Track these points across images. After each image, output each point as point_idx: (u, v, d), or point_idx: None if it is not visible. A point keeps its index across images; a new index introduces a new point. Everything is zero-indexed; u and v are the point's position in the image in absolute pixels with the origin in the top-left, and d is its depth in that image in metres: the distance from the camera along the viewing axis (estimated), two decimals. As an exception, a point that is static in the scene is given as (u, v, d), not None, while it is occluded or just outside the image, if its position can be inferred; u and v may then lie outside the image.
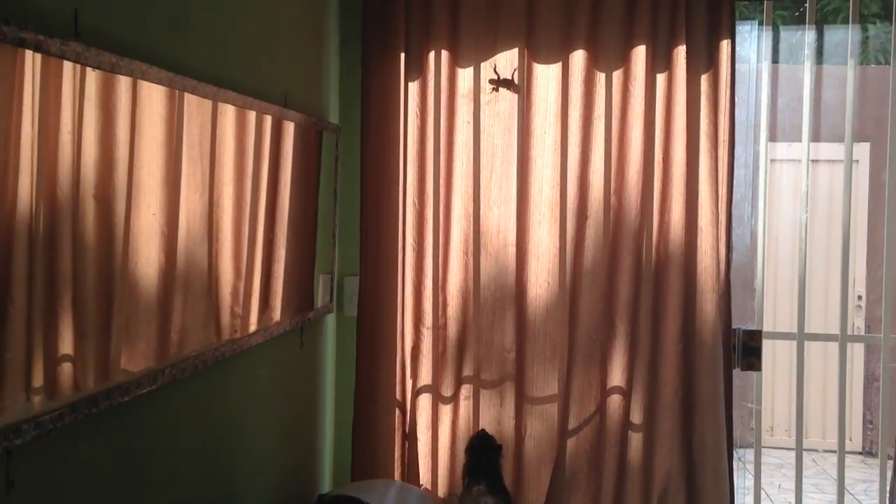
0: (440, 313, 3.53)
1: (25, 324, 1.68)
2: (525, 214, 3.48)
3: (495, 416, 3.52)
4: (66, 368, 1.82)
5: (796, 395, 3.84)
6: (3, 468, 1.61)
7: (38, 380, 1.73)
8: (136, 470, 2.12)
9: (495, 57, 3.48)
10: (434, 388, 3.55)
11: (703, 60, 3.38)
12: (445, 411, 3.55)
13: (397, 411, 3.56)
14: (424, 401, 3.56)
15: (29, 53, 1.63)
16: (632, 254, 3.40)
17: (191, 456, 2.41)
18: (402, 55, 3.50)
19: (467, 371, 3.54)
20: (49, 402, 1.74)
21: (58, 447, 1.78)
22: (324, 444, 3.64)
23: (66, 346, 1.81)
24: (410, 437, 3.56)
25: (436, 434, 3.56)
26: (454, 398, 3.55)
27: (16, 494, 1.64)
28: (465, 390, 3.55)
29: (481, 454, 3.34)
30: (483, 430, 3.46)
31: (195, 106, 2.31)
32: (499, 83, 3.47)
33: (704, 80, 3.38)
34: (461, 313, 3.53)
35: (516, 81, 3.46)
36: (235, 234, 2.61)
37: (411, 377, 3.56)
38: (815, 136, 5.47)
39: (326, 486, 3.65)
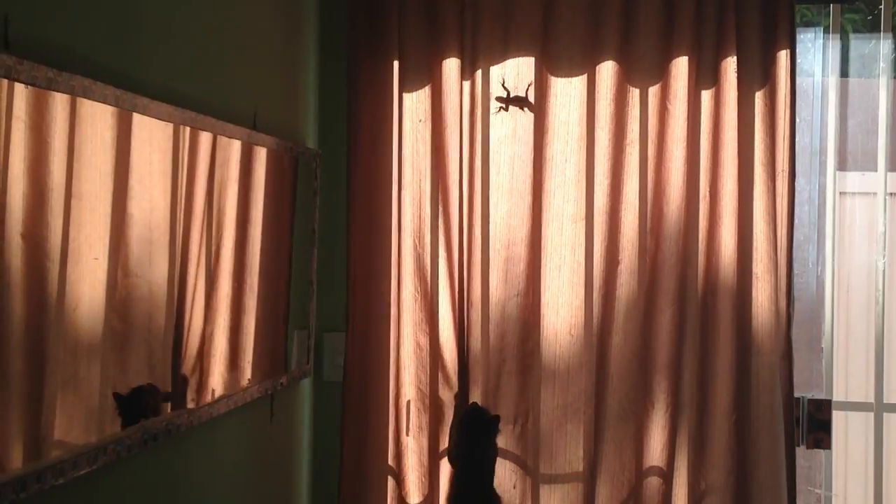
0: (449, 376, 3.53)
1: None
2: (541, 258, 3.49)
3: (507, 499, 3.50)
4: (-12, 444, 1.83)
5: (874, 479, 3.83)
6: None
7: (-47, 458, 1.73)
8: (71, 568, 2.11)
9: (504, 69, 3.51)
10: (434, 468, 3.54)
11: (758, 74, 3.40)
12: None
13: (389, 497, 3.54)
14: (416, 475, 3.55)
15: (-53, 67, 1.65)
16: (672, 306, 3.41)
17: (137, 551, 2.41)
18: (396, 63, 3.52)
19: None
20: (-34, 486, 1.74)
21: (-24, 540, 1.78)
22: (299, 537, 3.63)
23: (-12, 417, 1.82)
24: None
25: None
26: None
27: None
28: None
29: (476, 430, 3.36)
30: (473, 402, 3.46)
31: (147, 128, 2.33)
32: (508, 101, 3.49)
33: (759, 97, 3.41)
34: (469, 375, 3.52)
35: (531, 98, 3.48)
36: (195, 282, 2.62)
37: (409, 445, 3.55)
38: (894, 165, 5.47)
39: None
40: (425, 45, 3.52)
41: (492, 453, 3.40)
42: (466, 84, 3.51)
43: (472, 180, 3.51)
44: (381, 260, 3.52)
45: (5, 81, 1.80)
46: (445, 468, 3.51)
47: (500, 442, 3.47)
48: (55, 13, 2.01)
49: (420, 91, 3.53)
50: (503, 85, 3.50)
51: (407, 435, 3.53)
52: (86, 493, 2.13)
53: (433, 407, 3.53)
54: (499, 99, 3.50)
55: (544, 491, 3.50)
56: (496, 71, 3.52)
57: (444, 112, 3.52)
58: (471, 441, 3.38)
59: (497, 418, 3.40)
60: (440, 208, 3.52)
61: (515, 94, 3.49)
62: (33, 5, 1.93)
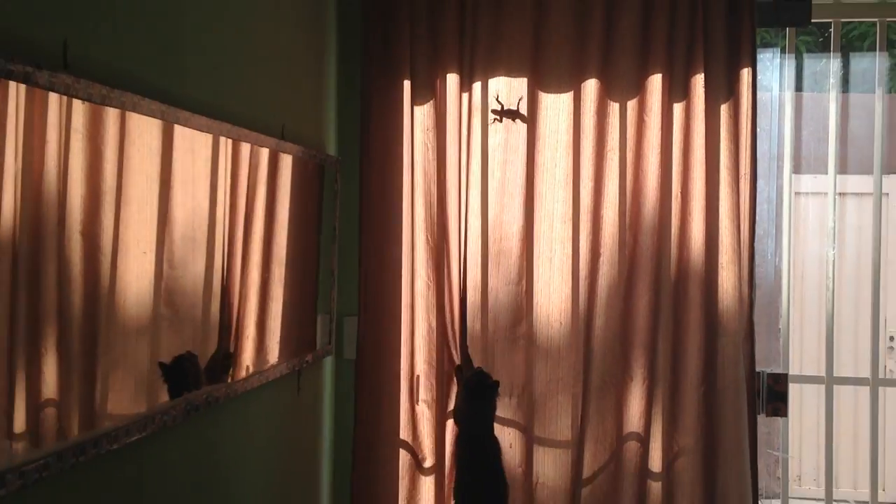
0: (454, 353, 3.54)
1: (7, 366, 1.69)
2: (534, 251, 3.49)
3: (505, 459, 3.51)
4: (51, 414, 1.83)
5: (825, 443, 3.83)
6: (-16, 520, 1.62)
7: (20, 426, 1.73)
8: (124, 522, 2.12)
9: (499, 86, 3.51)
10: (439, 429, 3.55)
11: (723, 89, 3.40)
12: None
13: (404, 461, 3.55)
14: (430, 440, 3.56)
15: (13, 84, 1.65)
16: (648, 293, 3.41)
17: (181, 508, 2.42)
18: (407, 82, 3.51)
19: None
20: (34, 451, 1.74)
21: (42, 498, 1.78)
22: (321, 494, 3.63)
23: (50, 390, 1.82)
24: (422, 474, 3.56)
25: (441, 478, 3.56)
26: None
27: (-3, 548, 1.65)
28: None
29: (476, 392, 3.40)
30: (478, 367, 3.47)
31: (188, 138, 2.33)
32: (502, 113, 3.49)
33: (724, 110, 3.40)
34: (470, 352, 3.53)
35: (522, 111, 3.48)
36: (230, 272, 2.63)
37: (423, 412, 3.56)
38: (842, 168, 5.48)
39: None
40: (432, 67, 3.52)
41: (491, 411, 3.42)
42: (465, 96, 3.51)
43: (468, 182, 3.52)
44: (392, 253, 3.51)
45: (65, 98, 1.81)
46: (451, 430, 3.54)
47: (499, 411, 3.48)
48: (108, 37, 2.02)
49: (427, 104, 3.52)
50: (497, 99, 3.50)
51: (417, 404, 3.54)
52: (136, 457, 2.14)
53: (441, 379, 3.54)
54: (494, 111, 3.50)
55: (538, 454, 3.51)
56: (492, 85, 3.52)
57: (449, 122, 3.51)
58: (474, 400, 3.40)
59: (497, 383, 3.42)
60: (445, 207, 3.52)
61: (508, 107, 3.49)
62: (88, 30, 1.94)
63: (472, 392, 3.41)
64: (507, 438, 3.50)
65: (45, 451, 1.77)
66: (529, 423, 3.50)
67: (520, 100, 3.48)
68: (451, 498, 3.49)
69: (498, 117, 3.50)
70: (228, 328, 2.66)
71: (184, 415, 2.33)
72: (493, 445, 3.43)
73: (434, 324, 3.52)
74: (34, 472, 1.71)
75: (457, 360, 3.51)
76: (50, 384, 1.82)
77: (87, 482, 1.95)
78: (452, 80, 3.51)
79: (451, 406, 3.54)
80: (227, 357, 2.65)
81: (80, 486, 1.93)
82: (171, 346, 2.33)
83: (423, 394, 3.53)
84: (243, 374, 2.74)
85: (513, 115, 3.49)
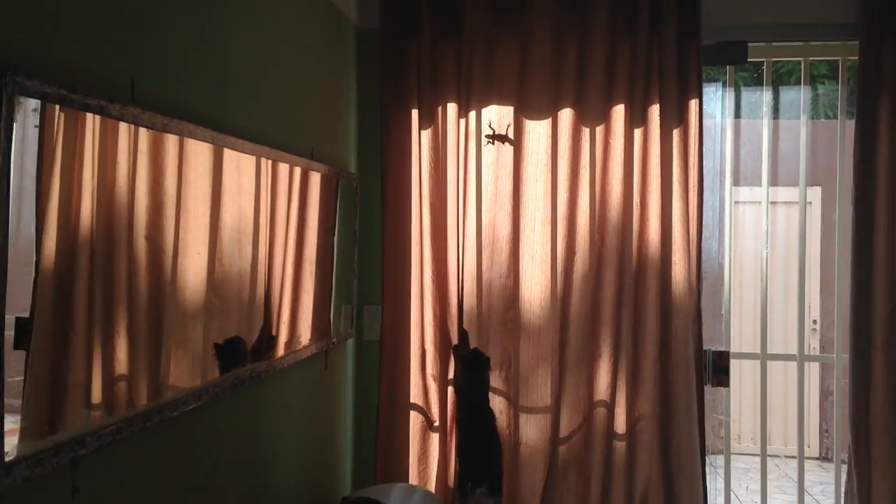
0: (452, 335, 3.53)
1: (86, 347, 1.70)
2: (520, 250, 3.49)
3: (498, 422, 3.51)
4: (122, 387, 1.84)
5: (760, 408, 3.83)
6: (69, 476, 1.62)
7: (97, 397, 1.74)
8: (183, 478, 2.12)
9: (491, 114, 3.50)
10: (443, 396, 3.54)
11: (675, 117, 3.39)
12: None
13: (414, 416, 3.54)
14: (436, 406, 3.55)
15: (90, 116, 1.66)
16: (613, 283, 3.40)
17: (230, 464, 2.42)
18: (415, 111, 3.51)
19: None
20: (108, 417, 1.75)
21: (116, 457, 1.79)
22: (345, 452, 3.63)
23: (122, 366, 1.83)
24: (432, 431, 3.55)
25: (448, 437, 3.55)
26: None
27: (79, 499, 1.65)
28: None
29: (472, 366, 3.40)
30: (475, 347, 3.47)
31: (235, 159, 2.33)
32: (494, 138, 3.49)
33: (676, 134, 3.39)
34: (468, 334, 3.52)
35: (510, 136, 3.48)
36: (270, 269, 2.63)
37: (435, 385, 3.55)
38: (773, 181, 5.47)
39: (348, 489, 3.63)
40: (435, 100, 3.51)
41: (486, 383, 3.43)
42: (462, 122, 3.50)
43: (466, 193, 3.51)
44: (407, 252, 3.51)
45: (132, 126, 1.81)
46: (451, 396, 3.53)
47: (490, 383, 3.47)
48: (168, 76, 2.02)
49: (432, 129, 3.51)
50: (490, 125, 3.50)
51: (426, 375, 3.54)
52: (192, 423, 2.14)
53: (444, 355, 3.53)
54: (487, 136, 3.50)
55: (522, 418, 3.50)
56: (485, 114, 3.51)
57: (449, 143, 3.51)
58: (471, 373, 3.40)
59: (489, 359, 3.43)
60: (446, 214, 3.51)
61: (499, 132, 3.49)
62: (152, 71, 1.94)
63: (468, 367, 3.41)
64: (497, 406, 3.50)
65: (118, 417, 1.78)
66: (516, 391, 3.50)
67: (508, 126, 3.48)
68: (456, 456, 3.49)
69: (490, 140, 3.50)
70: (270, 315, 2.66)
71: (232, 387, 2.33)
72: (490, 413, 3.43)
73: (438, 311, 3.52)
74: (109, 436, 1.72)
75: (454, 340, 3.51)
76: (122, 362, 1.82)
77: (153, 444, 1.96)
78: (452, 109, 3.51)
79: (450, 377, 3.53)
80: (270, 339, 2.65)
81: (147, 447, 1.93)
82: (222, 330, 2.33)
83: (430, 368, 3.53)
84: (281, 353, 2.75)
85: (502, 138, 3.49)
